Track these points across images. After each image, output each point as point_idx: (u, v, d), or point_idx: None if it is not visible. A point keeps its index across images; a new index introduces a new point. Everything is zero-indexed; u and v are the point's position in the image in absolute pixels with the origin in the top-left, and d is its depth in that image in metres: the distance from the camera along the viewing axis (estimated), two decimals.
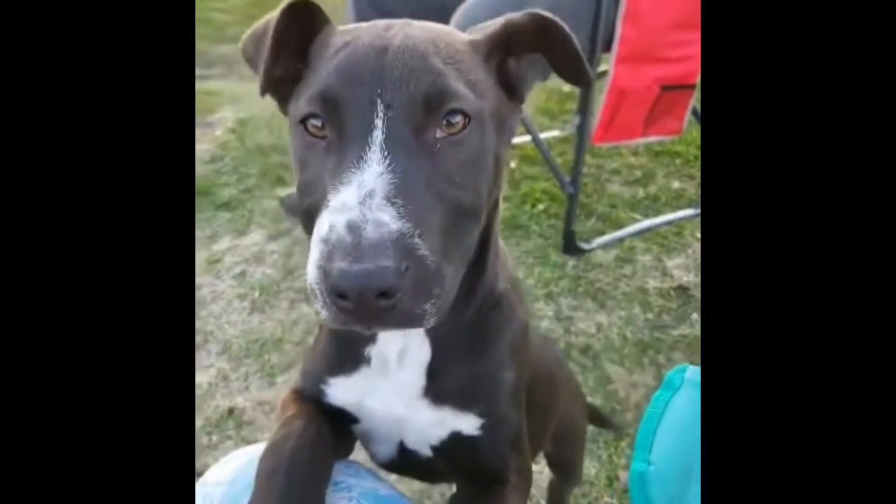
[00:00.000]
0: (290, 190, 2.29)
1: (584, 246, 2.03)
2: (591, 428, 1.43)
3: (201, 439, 1.43)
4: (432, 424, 0.62)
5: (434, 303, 0.44)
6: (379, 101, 0.47)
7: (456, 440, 0.62)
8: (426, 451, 0.65)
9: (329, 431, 0.61)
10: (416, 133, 0.47)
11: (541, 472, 1.34)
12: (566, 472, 1.15)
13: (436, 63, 0.49)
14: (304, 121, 0.51)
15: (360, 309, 0.42)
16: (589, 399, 1.47)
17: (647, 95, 1.88)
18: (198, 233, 2.14)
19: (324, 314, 0.44)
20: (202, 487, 0.66)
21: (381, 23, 0.55)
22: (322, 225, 0.44)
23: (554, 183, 2.32)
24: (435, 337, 0.60)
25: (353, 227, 0.42)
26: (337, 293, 0.42)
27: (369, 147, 0.46)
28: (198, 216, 2.22)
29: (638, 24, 1.71)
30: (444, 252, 0.46)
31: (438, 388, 0.61)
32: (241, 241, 2.11)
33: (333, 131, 0.49)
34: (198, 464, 1.37)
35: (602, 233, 2.12)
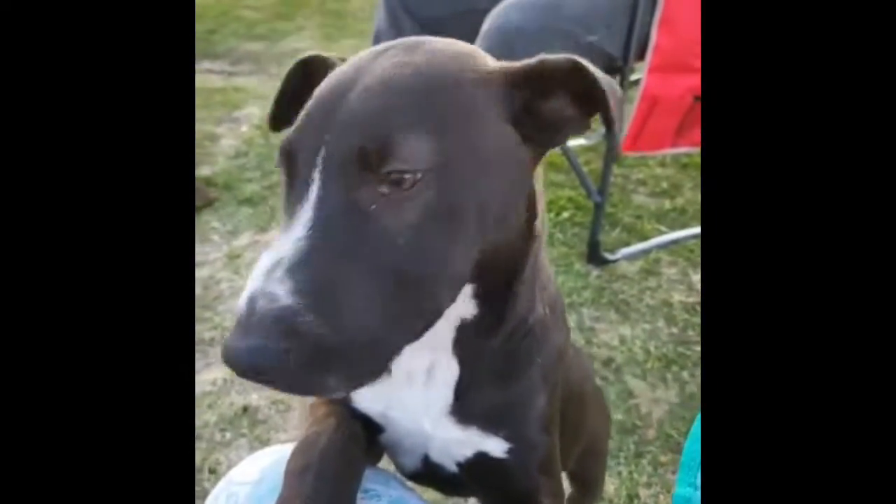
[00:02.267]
0: None
1: (609, 256, 1.99)
2: (610, 443, 1.40)
3: (215, 436, 1.42)
4: (458, 443, 0.60)
5: (340, 371, 0.42)
6: (322, 151, 0.44)
7: (483, 460, 0.60)
8: (451, 467, 0.63)
9: (361, 432, 0.60)
10: (351, 191, 0.43)
11: None
12: (588, 486, 1.12)
13: (391, 106, 0.44)
14: (277, 166, 0.49)
15: (250, 378, 0.41)
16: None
17: (679, 105, 1.84)
18: (219, 227, 2.14)
19: None
20: (227, 486, 0.65)
21: (387, 44, 0.51)
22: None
23: (579, 191, 2.28)
24: (463, 358, 0.57)
25: (249, 300, 0.40)
26: (230, 366, 0.41)
27: (304, 204, 0.43)
28: (220, 211, 2.22)
29: (673, 32, 1.68)
30: (366, 311, 0.42)
31: (466, 407, 0.59)
32: (262, 238, 2.10)
33: (289, 181, 0.46)
34: (210, 460, 1.36)
35: (627, 244, 2.08)
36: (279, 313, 0.39)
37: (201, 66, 3.37)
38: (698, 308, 1.82)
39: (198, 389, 1.53)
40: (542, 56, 0.50)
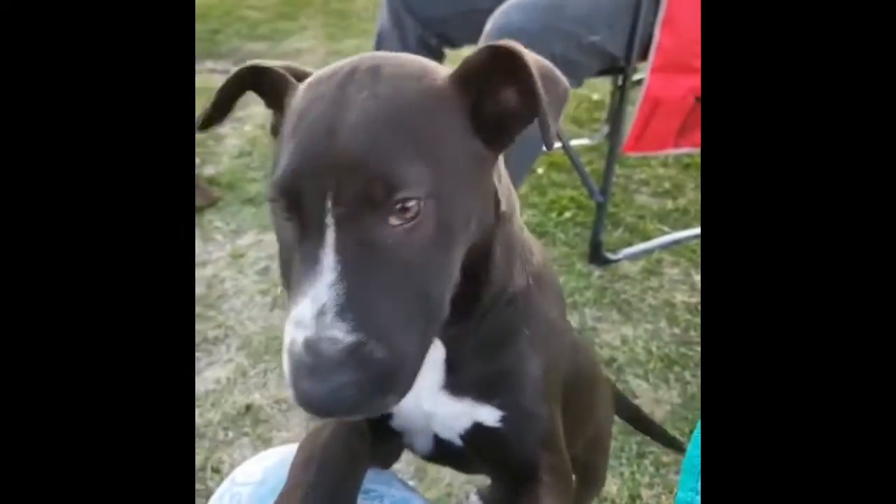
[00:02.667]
0: None
1: (611, 256, 1.99)
2: (613, 444, 1.40)
3: (217, 435, 1.43)
4: (455, 416, 0.63)
5: (397, 391, 0.47)
6: (330, 194, 0.46)
7: (480, 431, 0.63)
8: (458, 441, 0.65)
9: (365, 426, 0.63)
10: (367, 230, 0.46)
11: None
12: (591, 476, 1.11)
13: (386, 141, 0.47)
14: (271, 202, 0.51)
15: (329, 414, 0.47)
16: None
17: (681, 106, 1.84)
18: (223, 226, 2.15)
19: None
20: (230, 486, 0.66)
21: (339, 73, 0.52)
22: (286, 336, 0.45)
23: (581, 191, 2.28)
24: (445, 338, 0.59)
25: (310, 346, 0.44)
26: (310, 409, 0.45)
27: (323, 250, 0.46)
28: (224, 210, 2.22)
29: (675, 32, 1.68)
30: (408, 338, 0.47)
31: (457, 381, 0.61)
32: (265, 237, 2.11)
33: (295, 225, 0.49)
34: (213, 459, 1.36)
35: (629, 244, 2.08)
36: (349, 349, 0.43)
37: (205, 65, 3.37)
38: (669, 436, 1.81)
39: (201, 388, 1.53)
40: (470, 53, 0.52)
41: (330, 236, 0.46)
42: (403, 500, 0.64)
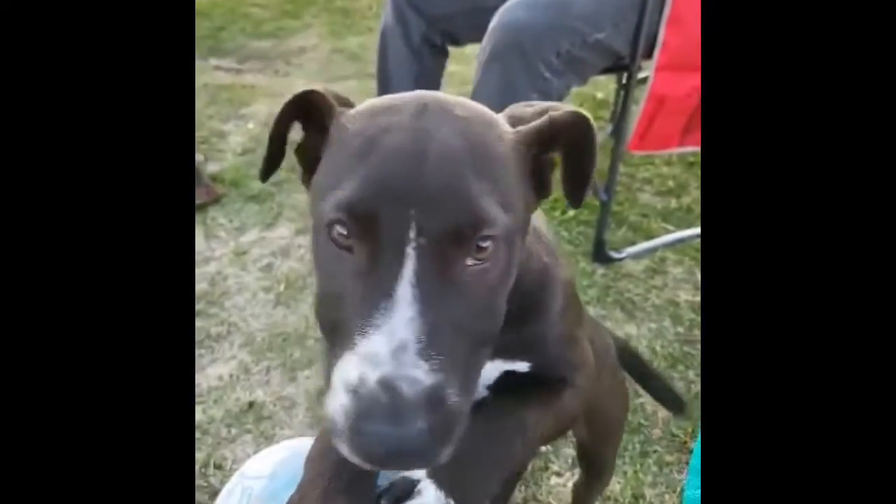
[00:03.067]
0: None
1: (615, 255, 1.99)
2: None
3: (220, 431, 1.43)
4: (484, 371, 0.62)
5: (454, 440, 0.43)
6: (413, 225, 0.44)
7: (509, 375, 0.64)
8: (482, 392, 0.65)
9: None
10: (447, 265, 0.45)
11: (564, 484, 1.31)
12: (598, 469, 1.12)
13: (472, 179, 0.46)
14: (329, 226, 0.47)
15: (390, 464, 0.43)
16: None
17: (686, 104, 1.83)
18: (226, 224, 2.14)
19: (343, 451, 0.43)
20: (241, 480, 0.66)
21: (408, 106, 0.50)
22: (349, 371, 0.42)
23: None
24: None
25: (386, 385, 0.40)
26: (372, 455, 0.41)
27: (400, 281, 0.43)
28: (227, 207, 2.22)
29: (681, 31, 1.67)
30: (466, 385, 0.45)
31: None
32: (268, 234, 2.11)
33: (363, 250, 0.46)
34: (215, 456, 1.36)
35: (633, 242, 2.08)
36: (429, 391, 0.41)
37: (209, 63, 3.37)
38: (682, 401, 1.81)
39: (204, 385, 1.53)
40: (550, 114, 0.53)
41: (409, 268, 0.44)
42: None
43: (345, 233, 0.47)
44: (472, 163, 0.47)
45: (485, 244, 0.46)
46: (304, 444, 0.63)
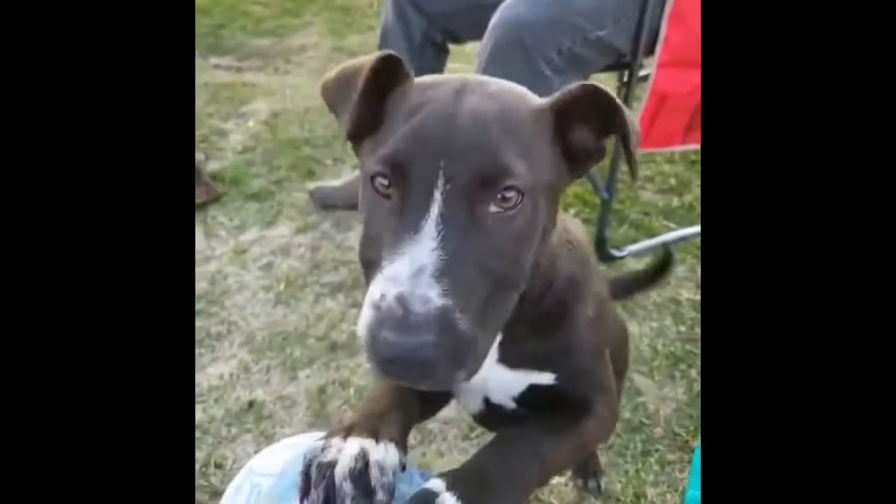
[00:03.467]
0: (321, 183, 2.28)
1: (616, 253, 1.98)
2: (617, 441, 1.39)
3: (220, 431, 1.42)
4: (511, 382, 0.69)
5: (466, 368, 0.49)
6: (441, 172, 0.50)
7: (534, 389, 0.69)
8: (509, 404, 0.72)
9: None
10: (471, 208, 0.51)
11: (566, 483, 1.30)
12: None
13: (498, 137, 0.52)
14: (372, 178, 0.54)
15: (401, 372, 0.47)
16: None
17: (688, 101, 1.82)
18: (226, 222, 2.14)
19: (369, 365, 0.49)
20: (249, 476, 0.65)
21: (453, 82, 0.58)
22: (375, 290, 0.48)
23: (586, 187, 2.27)
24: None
25: (402, 301, 0.46)
26: (384, 359, 0.47)
27: (426, 219, 0.50)
28: (227, 206, 2.22)
29: (683, 27, 1.66)
30: (482, 321, 0.50)
31: (512, 356, 0.67)
32: (268, 233, 2.10)
33: (398, 195, 0.53)
34: (216, 455, 1.36)
35: (634, 241, 2.07)
36: (439, 313, 0.46)
37: (209, 61, 3.36)
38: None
39: (204, 384, 1.53)
40: (566, 87, 0.57)
41: (435, 208, 0.50)
42: (423, 475, 0.64)
43: (385, 183, 0.53)
44: (499, 123, 0.53)
45: (509, 194, 0.51)
46: (313, 442, 0.63)
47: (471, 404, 0.77)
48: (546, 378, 0.68)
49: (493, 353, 0.66)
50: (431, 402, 0.76)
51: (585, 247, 0.72)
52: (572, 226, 0.72)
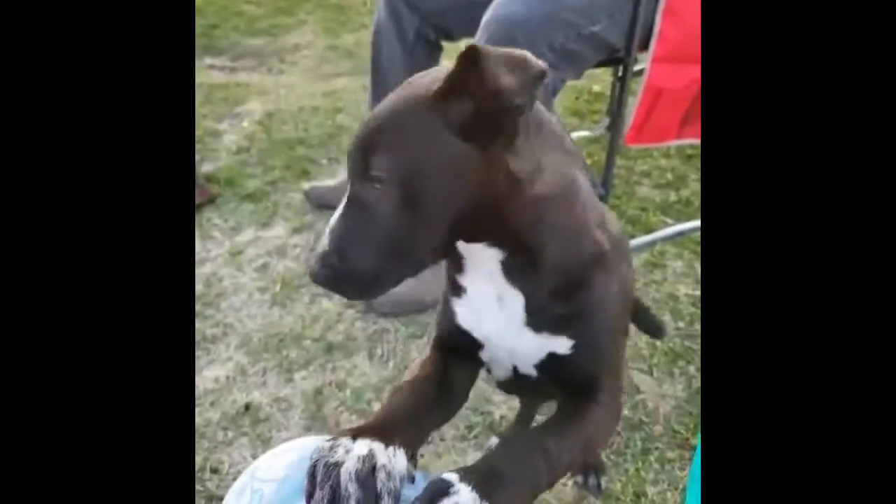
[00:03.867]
0: (316, 182, 2.27)
1: None
2: (617, 439, 1.38)
3: (217, 435, 1.41)
4: (534, 348, 0.75)
5: (346, 289, 0.69)
6: (349, 170, 0.68)
7: (553, 359, 0.75)
8: (533, 373, 0.78)
9: (445, 377, 0.78)
10: (357, 191, 0.66)
11: (565, 483, 1.30)
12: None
13: (373, 134, 0.64)
14: None
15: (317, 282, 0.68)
16: None
17: (683, 96, 1.81)
18: (221, 223, 2.13)
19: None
20: (250, 481, 0.64)
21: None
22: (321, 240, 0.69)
23: None
24: (522, 288, 0.72)
25: (318, 247, 0.67)
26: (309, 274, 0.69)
27: (343, 199, 0.67)
28: (222, 207, 2.21)
29: (678, 22, 1.65)
30: (359, 256, 0.65)
31: (536, 320, 0.73)
32: (264, 234, 2.09)
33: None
34: (212, 460, 1.35)
35: (632, 236, 2.06)
36: (322, 253, 0.67)
37: (203, 62, 3.34)
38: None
39: (200, 387, 1.52)
40: (450, 67, 0.61)
41: (347, 194, 0.67)
42: (425, 476, 0.63)
43: None
44: (377, 123, 0.64)
45: (379, 174, 0.63)
46: (316, 446, 0.62)
47: (500, 374, 0.84)
48: (564, 344, 0.74)
49: (520, 317, 0.73)
50: (450, 405, 0.81)
51: (618, 232, 0.77)
52: (610, 216, 0.78)
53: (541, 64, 0.58)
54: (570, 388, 0.77)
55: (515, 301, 0.73)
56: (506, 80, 0.57)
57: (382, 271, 0.67)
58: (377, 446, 0.59)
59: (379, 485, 0.56)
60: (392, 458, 0.59)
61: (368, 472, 0.57)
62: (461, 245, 0.68)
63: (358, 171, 0.65)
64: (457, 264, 0.75)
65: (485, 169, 0.63)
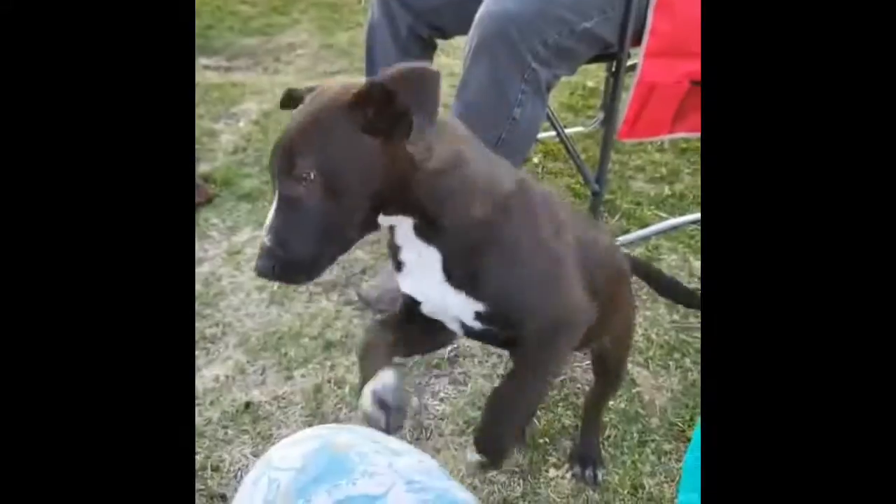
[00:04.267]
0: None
1: None
2: (614, 432, 1.40)
3: (217, 433, 1.42)
4: (459, 304, 0.87)
5: (293, 276, 0.80)
6: (276, 168, 0.77)
7: (480, 314, 0.87)
8: (477, 325, 0.89)
9: (405, 322, 0.96)
10: (287, 188, 0.76)
11: (562, 476, 1.31)
12: (612, 376, 1.26)
13: (296, 138, 0.75)
14: None
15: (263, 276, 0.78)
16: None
17: (676, 90, 1.82)
18: (219, 223, 2.13)
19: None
20: (267, 469, 0.64)
21: (316, 90, 0.82)
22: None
23: (577, 179, 2.27)
24: (437, 245, 0.84)
25: (261, 244, 0.77)
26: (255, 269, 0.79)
27: (276, 195, 0.77)
28: (219, 207, 2.21)
29: (671, 17, 1.66)
30: (299, 245, 0.76)
31: (454, 277, 0.86)
32: (261, 233, 2.09)
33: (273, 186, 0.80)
34: (213, 458, 1.36)
35: (626, 231, 2.07)
36: (266, 247, 0.76)
37: (198, 62, 3.34)
38: (699, 294, 1.81)
39: (199, 386, 1.53)
40: (366, 81, 0.75)
41: (278, 188, 0.77)
42: (446, 491, 0.63)
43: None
44: (300, 128, 0.76)
45: (303, 174, 0.74)
46: (334, 434, 0.62)
47: (452, 325, 0.95)
48: (482, 307, 0.86)
49: (440, 274, 0.86)
50: (432, 335, 1.00)
51: (522, 196, 0.86)
52: (510, 176, 0.87)
53: (433, 71, 0.72)
54: (508, 338, 0.91)
55: (434, 260, 0.85)
56: (401, 96, 0.72)
57: (321, 253, 0.79)
58: (372, 383, 0.85)
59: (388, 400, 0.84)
60: (384, 384, 0.85)
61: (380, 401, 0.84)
62: (381, 218, 0.80)
63: (284, 171, 0.75)
64: (392, 243, 0.88)
65: (389, 156, 0.77)
